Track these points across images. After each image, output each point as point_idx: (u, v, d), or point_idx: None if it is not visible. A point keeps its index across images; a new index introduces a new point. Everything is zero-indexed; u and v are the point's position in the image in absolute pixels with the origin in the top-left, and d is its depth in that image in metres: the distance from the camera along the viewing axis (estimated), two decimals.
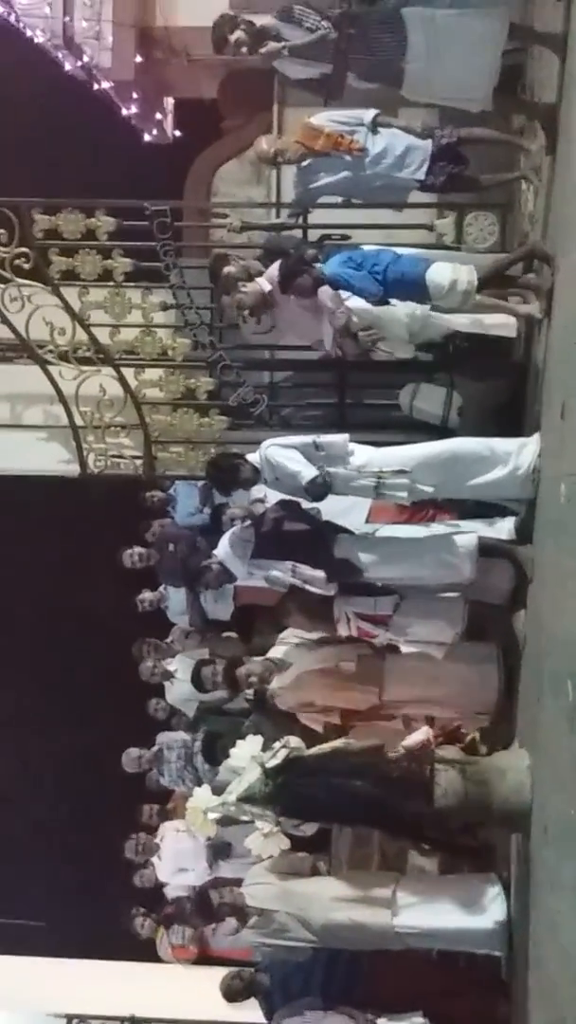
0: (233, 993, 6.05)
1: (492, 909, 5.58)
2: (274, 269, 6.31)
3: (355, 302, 6.05)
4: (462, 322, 6.10)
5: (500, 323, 6.15)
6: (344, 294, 6.03)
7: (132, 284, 7.05)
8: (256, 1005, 6.16)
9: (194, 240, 7.57)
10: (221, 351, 7.12)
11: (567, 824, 4.10)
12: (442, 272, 5.82)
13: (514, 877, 5.53)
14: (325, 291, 6.08)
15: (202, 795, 5.53)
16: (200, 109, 9.85)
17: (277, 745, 5.44)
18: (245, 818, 5.38)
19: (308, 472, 5.77)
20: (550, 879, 4.46)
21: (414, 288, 5.86)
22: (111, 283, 7.01)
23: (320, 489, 5.79)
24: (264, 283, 6.32)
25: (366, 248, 6.14)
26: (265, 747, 5.56)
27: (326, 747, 5.49)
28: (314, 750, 5.57)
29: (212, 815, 5.36)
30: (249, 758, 5.39)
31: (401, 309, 6.01)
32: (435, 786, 5.25)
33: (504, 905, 5.56)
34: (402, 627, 6.01)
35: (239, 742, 5.57)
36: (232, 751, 5.59)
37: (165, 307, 7.12)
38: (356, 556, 5.87)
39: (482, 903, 5.62)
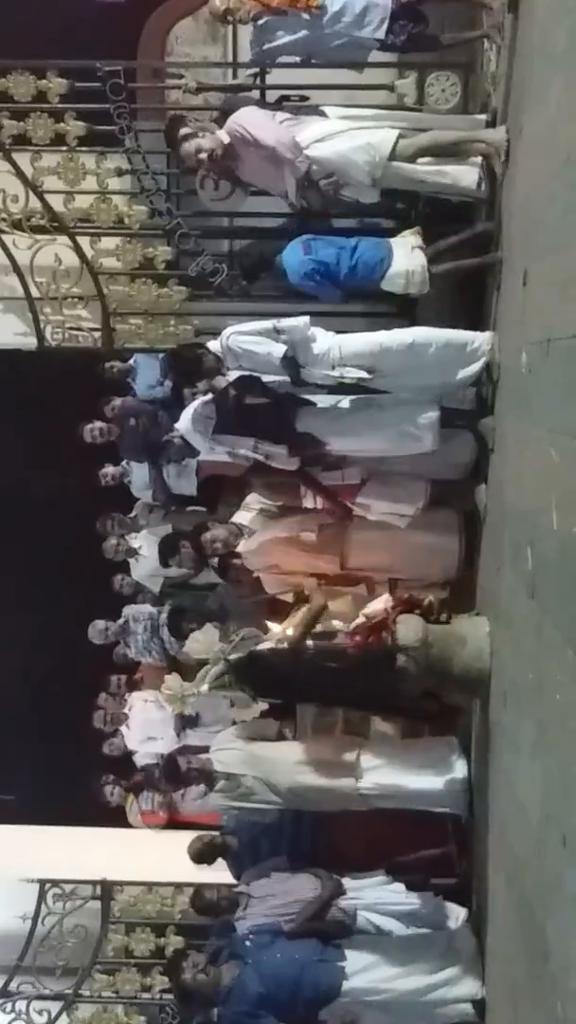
0: (201, 855, 6.21)
1: (453, 770, 5.73)
2: (233, 122, 6.11)
3: (315, 150, 5.91)
4: (424, 171, 5.95)
5: (463, 172, 6.00)
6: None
7: (86, 149, 6.84)
8: (223, 866, 6.35)
9: (149, 102, 7.33)
10: (179, 218, 6.95)
11: (525, 688, 4.18)
12: (396, 277, 5.85)
13: (474, 740, 5.66)
14: (283, 143, 5.93)
15: (173, 683, 5.91)
16: None
17: (236, 638, 5.60)
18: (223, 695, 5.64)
19: (278, 349, 5.72)
20: (508, 741, 4.57)
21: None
22: (64, 148, 6.80)
23: (293, 363, 5.74)
24: (223, 135, 6.13)
25: (321, 245, 6.00)
26: (227, 631, 5.72)
27: (280, 632, 5.61)
28: (273, 633, 5.70)
29: (190, 700, 5.64)
30: (209, 650, 5.59)
31: (360, 156, 5.86)
32: (396, 654, 5.34)
33: (464, 766, 5.71)
34: (365, 507, 6.05)
35: (194, 634, 5.76)
36: (189, 643, 5.78)
37: (120, 172, 6.92)
38: (318, 429, 5.86)
39: (443, 764, 5.77)
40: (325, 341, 5.74)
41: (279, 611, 6.32)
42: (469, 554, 6.01)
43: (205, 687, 5.59)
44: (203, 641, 5.71)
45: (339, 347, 5.69)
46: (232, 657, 5.56)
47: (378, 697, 5.71)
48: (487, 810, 5.12)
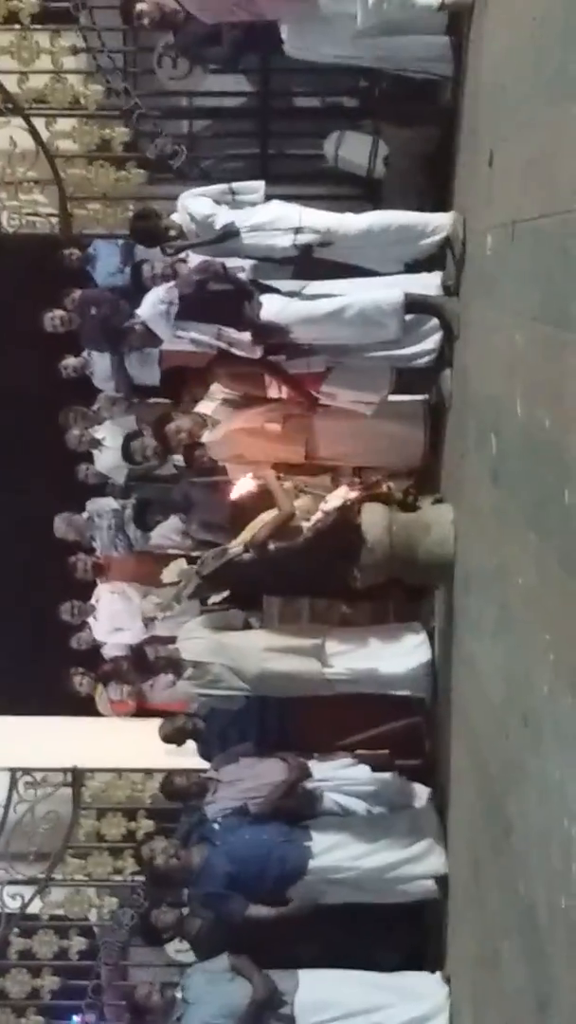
0: (172, 736, 6.29)
1: (417, 654, 5.79)
2: None
3: None
4: None
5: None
6: None
7: (40, 27, 6.61)
8: (192, 752, 6.44)
9: None
10: (137, 98, 6.76)
11: (487, 573, 4.21)
12: None
13: (438, 625, 5.73)
14: None
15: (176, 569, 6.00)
16: None
17: (206, 557, 5.64)
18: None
19: (221, 218, 5.60)
20: (471, 626, 4.62)
21: None
22: (17, 26, 6.56)
23: (233, 235, 5.62)
24: None
25: None
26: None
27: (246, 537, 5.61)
28: (241, 538, 5.69)
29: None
30: (179, 571, 5.62)
31: None
32: (362, 542, 5.36)
33: (429, 650, 5.78)
34: (330, 395, 6.01)
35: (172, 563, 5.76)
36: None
37: (75, 51, 6.72)
38: (281, 316, 5.77)
39: (408, 649, 5.83)
40: (284, 207, 5.64)
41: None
42: (434, 442, 6.00)
43: (179, 607, 5.63)
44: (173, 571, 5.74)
45: (300, 213, 5.59)
46: (206, 572, 5.57)
47: (343, 583, 5.73)
48: (451, 692, 5.20)
